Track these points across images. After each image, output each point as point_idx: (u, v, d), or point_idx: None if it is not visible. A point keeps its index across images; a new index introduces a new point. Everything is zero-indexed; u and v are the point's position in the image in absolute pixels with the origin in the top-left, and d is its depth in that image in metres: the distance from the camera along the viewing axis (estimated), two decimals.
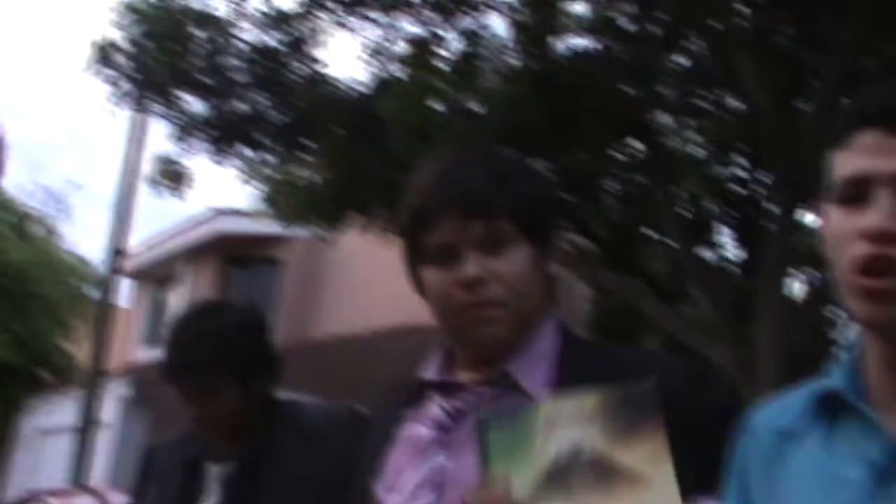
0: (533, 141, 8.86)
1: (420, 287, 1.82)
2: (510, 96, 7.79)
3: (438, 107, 7.98)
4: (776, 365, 7.74)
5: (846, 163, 1.34)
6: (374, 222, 10.86)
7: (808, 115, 8.07)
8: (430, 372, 1.86)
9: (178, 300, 21.38)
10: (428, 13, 8.63)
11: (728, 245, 12.77)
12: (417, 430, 1.79)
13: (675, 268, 10.14)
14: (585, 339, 1.89)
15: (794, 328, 8.19)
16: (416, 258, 1.80)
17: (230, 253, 20.38)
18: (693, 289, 11.55)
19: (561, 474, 1.23)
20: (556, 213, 1.94)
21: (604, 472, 1.20)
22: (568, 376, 1.73)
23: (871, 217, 1.29)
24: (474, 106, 7.95)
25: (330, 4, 9.55)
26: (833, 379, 1.44)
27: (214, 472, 2.49)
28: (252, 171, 10.88)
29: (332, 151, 9.37)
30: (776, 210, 8.38)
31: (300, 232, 11.52)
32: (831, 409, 1.42)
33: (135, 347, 22.37)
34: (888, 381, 1.37)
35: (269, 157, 10.72)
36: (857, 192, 1.32)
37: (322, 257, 18.35)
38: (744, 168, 11.89)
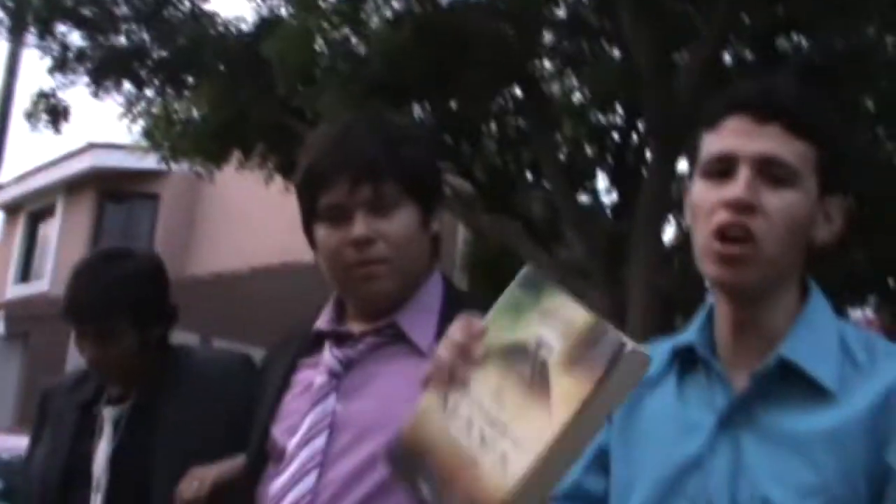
0: (416, 86, 8.97)
1: (313, 243, 1.95)
2: (394, 40, 7.85)
3: (323, 49, 7.99)
4: (647, 309, 8.04)
5: (715, 142, 1.52)
6: (254, 160, 10.84)
7: (686, 68, 8.32)
8: (323, 322, 1.99)
9: (51, 235, 20.98)
10: None
11: (602, 191, 13.09)
12: (312, 376, 1.93)
13: (552, 212, 10.36)
14: (467, 293, 2.05)
15: (665, 273, 8.51)
16: (311, 216, 1.92)
17: (106, 187, 20.03)
18: (568, 232, 11.85)
19: (516, 354, 1.29)
20: (440, 178, 2.07)
21: (536, 378, 1.25)
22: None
23: (734, 189, 1.47)
24: (359, 49, 7.98)
25: None
26: (688, 334, 1.62)
27: (108, 415, 2.55)
28: (132, 107, 10.72)
29: (214, 90, 9.30)
30: (652, 158, 8.65)
31: (178, 167, 11.41)
32: (684, 361, 1.60)
33: (7, 283, 21.90)
34: (734, 339, 1.56)
35: (150, 93, 10.57)
36: (721, 168, 1.50)
37: (199, 193, 18.19)
38: (621, 116, 12.17)
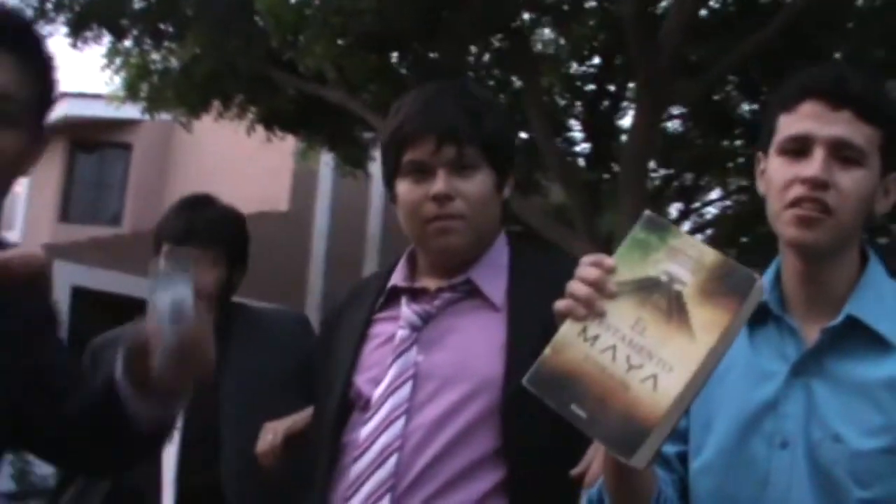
0: (404, 38, 9.05)
1: (393, 197, 2.11)
2: None
3: (314, 2, 8.04)
4: None
5: (792, 124, 1.71)
6: (233, 111, 10.86)
7: (669, 23, 8.42)
8: (398, 278, 2.13)
9: (21, 184, 20.84)
10: None
11: (578, 139, 13.22)
12: (390, 329, 2.07)
13: (528, 160, 10.47)
14: (529, 249, 2.19)
15: None
16: (394, 172, 2.08)
17: (77, 136, 19.88)
18: (547, 180, 11.97)
19: (649, 288, 1.45)
20: (514, 148, 2.23)
21: (674, 308, 1.43)
22: (520, 283, 2.05)
23: (810, 168, 1.66)
24: (345, 2, 8.03)
25: None
26: None
27: None
28: (113, 57, 10.68)
29: (200, 40, 9.31)
30: (637, 109, 8.77)
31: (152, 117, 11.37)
32: (756, 314, 1.76)
33: None
34: (802, 293, 1.74)
35: (131, 43, 10.54)
36: (797, 147, 1.69)
37: (172, 143, 18.12)
38: (598, 67, 12.28)
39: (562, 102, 12.70)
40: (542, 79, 11.18)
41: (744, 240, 12.05)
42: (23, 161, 1.60)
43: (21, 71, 1.56)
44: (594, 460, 1.81)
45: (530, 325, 1.93)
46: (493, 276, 2.07)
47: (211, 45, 9.22)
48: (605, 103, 12.58)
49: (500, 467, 1.91)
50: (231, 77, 9.73)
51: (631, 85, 11.24)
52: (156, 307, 1.36)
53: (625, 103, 12.55)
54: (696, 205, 14.10)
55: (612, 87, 12.44)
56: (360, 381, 2.05)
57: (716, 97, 11.08)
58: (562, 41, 11.90)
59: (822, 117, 1.67)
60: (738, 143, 11.86)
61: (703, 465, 1.73)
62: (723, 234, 12.08)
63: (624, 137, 11.03)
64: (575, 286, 1.48)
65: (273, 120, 10.90)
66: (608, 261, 1.49)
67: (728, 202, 13.87)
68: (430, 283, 2.10)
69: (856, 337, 1.66)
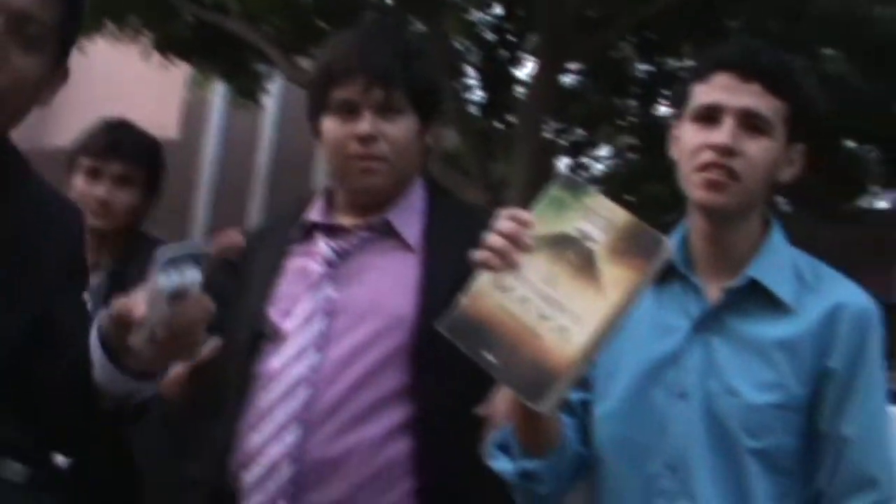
0: None
1: (317, 132, 2.13)
2: None
3: None
4: (527, 205, 8.30)
5: (705, 93, 1.81)
6: (127, 35, 10.60)
7: None
8: (315, 214, 2.16)
9: None
10: None
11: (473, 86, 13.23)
12: (307, 264, 2.10)
13: None
14: (444, 195, 2.24)
15: (544, 173, 8.79)
16: (321, 108, 2.10)
17: None
18: (441, 125, 11.98)
19: (563, 244, 1.53)
20: (441, 95, 2.26)
21: (585, 265, 1.50)
22: (436, 226, 2.11)
23: (719, 135, 1.76)
24: None
25: None
26: None
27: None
28: None
29: None
30: (540, 61, 8.84)
31: None
32: (662, 272, 1.85)
33: None
34: (707, 253, 1.85)
35: None
36: (708, 115, 1.79)
37: None
38: (501, 17, 12.30)
39: (460, 49, 12.69)
40: (443, 23, 11.15)
41: (630, 198, 12.27)
42: (43, 89, 1.54)
43: None
44: (499, 402, 1.88)
45: (444, 267, 1.99)
46: (409, 219, 2.11)
47: None
48: (504, 53, 12.61)
49: (408, 404, 1.96)
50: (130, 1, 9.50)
51: (531, 37, 11.29)
52: (157, 284, 1.33)
53: (523, 54, 12.60)
54: (585, 160, 14.29)
55: (511, 38, 12.47)
56: (274, 313, 2.07)
57: (613, 55, 11.21)
58: None
59: (733, 88, 1.77)
60: (631, 102, 12.04)
61: (606, 412, 1.82)
62: (610, 191, 12.22)
63: (520, 89, 11.11)
64: (492, 238, 1.55)
65: (169, 46, 10.67)
66: (526, 215, 1.56)
67: (618, 160, 14.08)
68: (346, 220, 2.13)
69: (755, 298, 1.77)
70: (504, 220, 1.56)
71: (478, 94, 13.00)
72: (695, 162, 1.78)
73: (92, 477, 2.38)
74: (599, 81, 11.93)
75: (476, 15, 12.46)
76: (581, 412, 1.87)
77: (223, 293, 2.25)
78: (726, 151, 1.74)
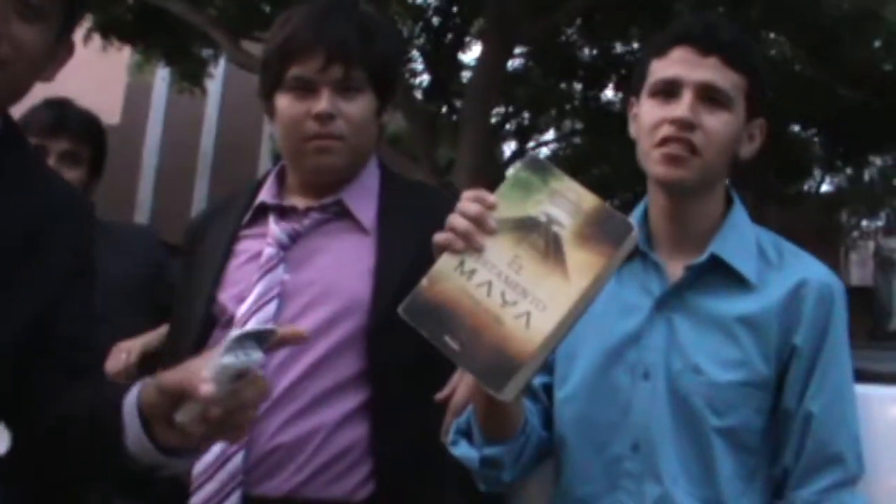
0: None
1: (271, 111, 2.06)
2: None
3: None
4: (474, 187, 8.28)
5: (663, 68, 1.78)
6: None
7: None
8: (267, 195, 2.10)
9: None
10: None
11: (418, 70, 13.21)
12: (256, 246, 2.04)
13: None
14: (397, 176, 2.19)
15: (491, 157, 8.79)
16: (275, 86, 2.03)
17: None
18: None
19: (528, 227, 1.48)
20: (400, 74, 2.21)
21: (551, 249, 1.45)
22: (391, 208, 2.06)
23: (679, 109, 1.73)
24: None
25: None
26: None
27: None
28: None
29: None
30: (487, 46, 8.81)
31: None
32: None
33: None
34: (668, 230, 1.82)
35: None
36: (667, 90, 1.76)
37: None
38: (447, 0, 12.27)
39: (405, 32, 12.64)
40: (390, 6, 11.10)
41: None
42: (45, 61, 1.46)
43: None
44: (459, 386, 1.84)
45: (399, 250, 1.94)
46: (363, 199, 2.06)
47: None
48: (450, 37, 12.59)
49: (365, 388, 1.91)
50: None
51: (477, 21, 11.27)
52: (222, 362, 1.26)
53: (468, 38, 12.58)
54: (531, 144, 14.32)
55: (458, 22, 12.44)
56: (224, 297, 2.01)
57: (559, 39, 11.23)
58: None
59: (692, 62, 1.75)
60: (576, 85, 12.08)
61: (568, 394, 1.79)
62: None
63: (465, 73, 11.09)
64: (455, 220, 1.50)
65: (111, 29, 10.51)
66: (490, 197, 1.51)
67: (563, 144, 14.13)
68: (299, 201, 2.07)
69: (717, 275, 1.75)
70: (467, 202, 1.51)
71: (424, 78, 13.01)
72: (654, 137, 1.75)
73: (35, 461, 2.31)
74: (546, 65, 11.95)
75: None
76: (543, 396, 1.84)
77: (174, 278, 2.21)
78: (685, 125, 1.72)
